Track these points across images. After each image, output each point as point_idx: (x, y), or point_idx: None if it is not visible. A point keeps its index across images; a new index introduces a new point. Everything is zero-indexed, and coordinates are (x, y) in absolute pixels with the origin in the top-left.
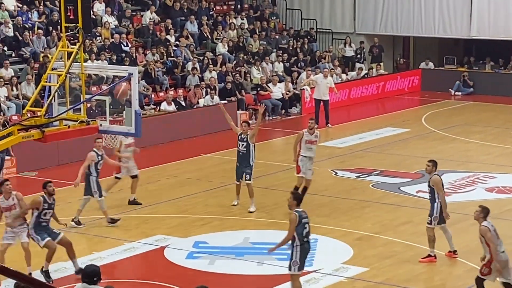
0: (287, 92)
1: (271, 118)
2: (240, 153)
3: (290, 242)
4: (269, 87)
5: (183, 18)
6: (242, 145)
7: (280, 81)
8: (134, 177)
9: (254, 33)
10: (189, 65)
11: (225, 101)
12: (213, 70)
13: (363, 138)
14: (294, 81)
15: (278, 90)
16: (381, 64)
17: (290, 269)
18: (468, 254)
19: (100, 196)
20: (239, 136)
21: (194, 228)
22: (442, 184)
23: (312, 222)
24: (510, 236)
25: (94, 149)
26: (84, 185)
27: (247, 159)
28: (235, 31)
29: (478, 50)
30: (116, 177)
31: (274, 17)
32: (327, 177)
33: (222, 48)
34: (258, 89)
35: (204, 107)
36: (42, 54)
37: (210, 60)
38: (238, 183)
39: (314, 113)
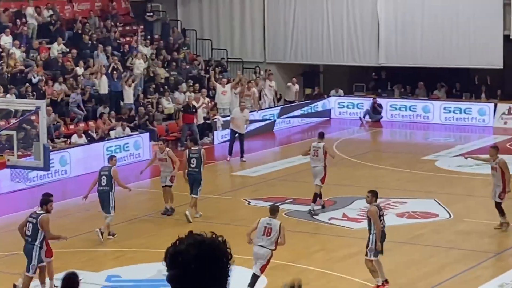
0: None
1: (182, 148)
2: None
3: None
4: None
5: (92, 49)
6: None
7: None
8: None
9: (164, 63)
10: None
11: (137, 132)
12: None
13: (276, 166)
14: (208, 111)
15: (201, 114)
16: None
17: None
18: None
19: (108, 212)
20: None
21: (107, 261)
22: (380, 215)
23: None
24: (420, 261)
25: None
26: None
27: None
28: (146, 62)
29: (387, 77)
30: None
31: (185, 48)
32: (241, 207)
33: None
34: (182, 109)
35: (116, 138)
36: None
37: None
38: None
39: (228, 142)
